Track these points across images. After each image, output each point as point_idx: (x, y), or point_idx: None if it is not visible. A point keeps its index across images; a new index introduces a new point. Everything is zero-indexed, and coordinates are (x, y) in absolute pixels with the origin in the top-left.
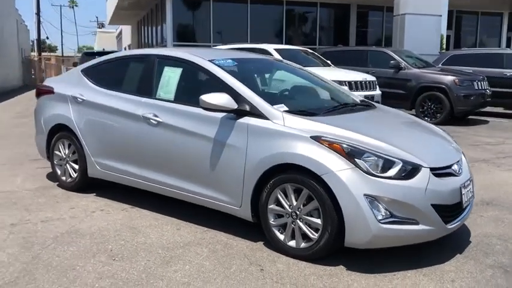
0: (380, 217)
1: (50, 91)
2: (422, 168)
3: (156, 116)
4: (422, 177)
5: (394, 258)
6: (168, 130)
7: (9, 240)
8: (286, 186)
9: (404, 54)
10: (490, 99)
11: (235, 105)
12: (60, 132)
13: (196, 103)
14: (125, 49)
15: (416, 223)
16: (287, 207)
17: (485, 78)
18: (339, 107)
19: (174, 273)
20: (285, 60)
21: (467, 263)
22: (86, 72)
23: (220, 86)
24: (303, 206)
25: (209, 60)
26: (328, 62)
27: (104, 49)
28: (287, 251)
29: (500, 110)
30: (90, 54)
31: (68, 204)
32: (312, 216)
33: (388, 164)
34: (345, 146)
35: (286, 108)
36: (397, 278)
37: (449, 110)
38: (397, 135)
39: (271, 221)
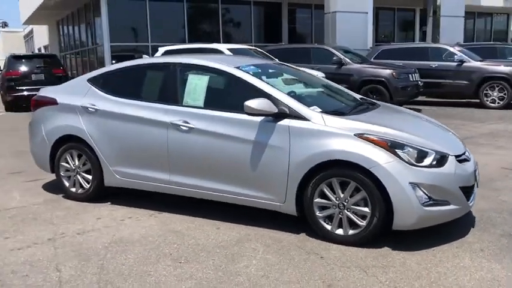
0: (422, 201)
1: (52, 102)
2: (450, 156)
3: (186, 122)
4: (451, 164)
5: (424, 237)
6: (201, 135)
7: (60, 254)
8: (332, 180)
9: (343, 50)
10: (422, 89)
11: (275, 109)
12: (67, 143)
13: (228, 108)
14: (39, 50)
15: (448, 203)
16: (334, 199)
17: (417, 71)
18: (357, 106)
19: (247, 268)
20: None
21: (483, 234)
22: (95, 82)
23: (254, 92)
24: (350, 197)
25: (236, 67)
26: (276, 59)
27: (32, 52)
28: (335, 239)
29: (423, 98)
30: (18, 58)
31: (90, 214)
32: (358, 205)
33: (423, 155)
34: (387, 140)
35: (320, 110)
36: (437, 252)
37: (389, 100)
38: (418, 129)
39: (317, 213)
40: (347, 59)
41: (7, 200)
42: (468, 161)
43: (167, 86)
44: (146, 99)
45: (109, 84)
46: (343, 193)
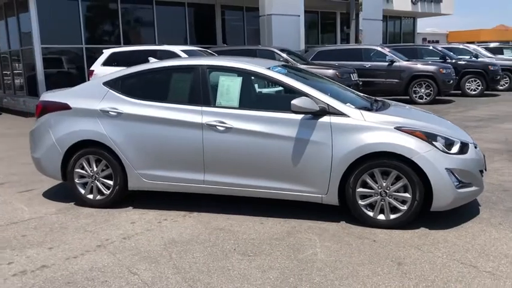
0: (455, 184)
1: (63, 107)
2: (469, 144)
3: (222, 122)
4: (471, 151)
5: (446, 217)
6: (240, 134)
7: (122, 259)
8: (374, 170)
9: (287, 52)
10: (361, 88)
11: (317, 107)
12: (83, 149)
13: (264, 108)
14: None
15: (471, 185)
16: (376, 187)
17: (355, 71)
18: (375, 103)
19: (315, 255)
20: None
21: (492, 211)
22: (112, 85)
23: (291, 91)
24: (391, 184)
25: (267, 68)
26: None
27: None
28: (377, 224)
29: None
30: None
31: (121, 220)
32: (398, 192)
33: (450, 143)
34: (424, 132)
35: (353, 106)
36: (467, 229)
37: None
38: (435, 121)
39: (360, 202)
40: (292, 60)
41: (16, 212)
42: (476, 147)
43: (197, 88)
44: (174, 101)
45: (131, 87)
46: (384, 181)
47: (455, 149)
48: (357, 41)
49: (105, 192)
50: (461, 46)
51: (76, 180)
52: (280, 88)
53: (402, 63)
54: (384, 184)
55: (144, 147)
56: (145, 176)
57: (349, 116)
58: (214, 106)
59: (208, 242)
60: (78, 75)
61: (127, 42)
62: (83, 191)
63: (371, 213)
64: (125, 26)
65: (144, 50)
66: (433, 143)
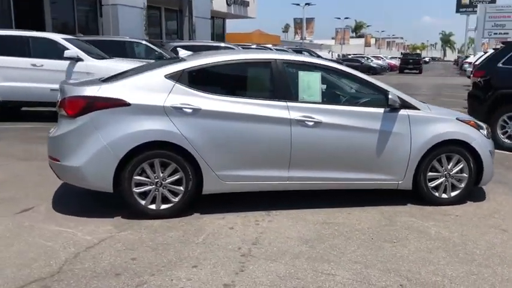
0: (493, 163)
1: (118, 103)
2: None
3: (311, 117)
4: (490, 135)
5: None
6: (330, 129)
7: (291, 262)
8: (442, 156)
9: (156, 45)
10: None
11: (399, 101)
12: (146, 152)
13: (345, 102)
14: None
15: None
16: (442, 170)
17: None
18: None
19: (440, 234)
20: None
21: (488, 185)
22: (178, 78)
23: (369, 88)
24: (453, 167)
25: (339, 63)
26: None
27: None
28: (441, 203)
29: None
30: None
31: (214, 227)
32: (457, 173)
33: (482, 128)
34: (475, 122)
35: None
36: (495, 199)
37: None
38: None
39: (429, 184)
40: (165, 54)
41: (66, 236)
42: None
43: (278, 83)
44: (254, 96)
45: (201, 80)
46: (449, 165)
47: (485, 133)
48: (190, 37)
49: (172, 199)
50: (285, 48)
51: (134, 189)
52: None
53: None
54: (448, 167)
55: (227, 146)
56: (225, 178)
57: (419, 109)
58: (298, 101)
59: (337, 236)
60: None
61: None
62: (143, 202)
63: (437, 194)
64: None
65: (16, 35)
66: (480, 130)
